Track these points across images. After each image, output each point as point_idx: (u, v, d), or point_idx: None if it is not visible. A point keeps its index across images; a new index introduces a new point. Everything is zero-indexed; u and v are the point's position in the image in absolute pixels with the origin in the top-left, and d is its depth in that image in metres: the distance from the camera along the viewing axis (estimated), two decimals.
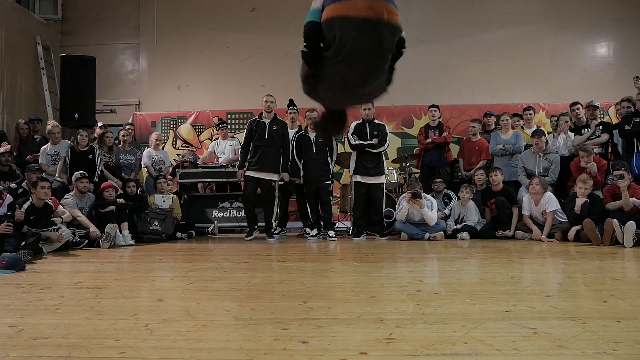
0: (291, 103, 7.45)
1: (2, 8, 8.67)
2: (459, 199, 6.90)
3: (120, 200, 6.35)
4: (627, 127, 6.61)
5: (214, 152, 8.39)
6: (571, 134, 7.09)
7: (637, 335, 1.81)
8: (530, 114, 7.89)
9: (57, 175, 6.64)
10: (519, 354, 1.62)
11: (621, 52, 9.60)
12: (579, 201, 5.88)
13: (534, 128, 7.55)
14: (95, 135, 7.25)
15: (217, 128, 8.62)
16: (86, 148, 6.72)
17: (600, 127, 6.98)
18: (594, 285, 2.97)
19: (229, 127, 9.21)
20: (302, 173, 6.93)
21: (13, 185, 5.99)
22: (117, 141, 7.76)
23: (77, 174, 6.18)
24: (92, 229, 5.75)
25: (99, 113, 8.63)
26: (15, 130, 7.57)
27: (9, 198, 5.32)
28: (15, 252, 4.27)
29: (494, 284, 3.06)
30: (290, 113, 7.47)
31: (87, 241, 5.67)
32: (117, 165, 7.38)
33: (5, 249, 4.39)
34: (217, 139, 8.58)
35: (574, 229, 5.85)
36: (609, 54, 9.70)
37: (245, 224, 7.00)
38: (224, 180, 7.83)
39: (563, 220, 6.17)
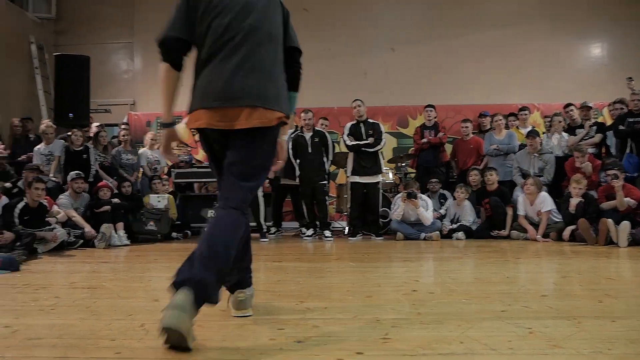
0: None
1: None
2: (454, 198, 6.92)
3: (116, 200, 6.34)
4: (621, 127, 6.65)
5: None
6: (565, 135, 7.12)
7: (632, 335, 1.81)
8: (525, 114, 7.91)
9: (51, 175, 6.61)
10: (514, 354, 1.62)
11: (615, 52, 9.64)
12: (574, 201, 5.91)
13: (529, 128, 7.56)
14: (90, 134, 7.21)
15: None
16: (80, 148, 6.69)
17: (594, 127, 7.02)
18: (589, 285, 2.99)
19: None
20: (298, 173, 6.93)
21: (8, 185, 5.96)
22: (116, 140, 7.73)
23: (72, 174, 6.16)
24: (87, 229, 5.74)
25: (93, 113, 8.59)
26: (10, 130, 7.54)
27: (4, 199, 5.30)
28: (9, 253, 4.26)
29: (490, 283, 3.07)
30: None
31: (82, 241, 5.66)
32: (119, 165, 7.31)
33: None
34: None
35: (569, 228, 5.88)
36: (602, 55, 9.75)
37: None
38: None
39: (558, 220, 6.19)
